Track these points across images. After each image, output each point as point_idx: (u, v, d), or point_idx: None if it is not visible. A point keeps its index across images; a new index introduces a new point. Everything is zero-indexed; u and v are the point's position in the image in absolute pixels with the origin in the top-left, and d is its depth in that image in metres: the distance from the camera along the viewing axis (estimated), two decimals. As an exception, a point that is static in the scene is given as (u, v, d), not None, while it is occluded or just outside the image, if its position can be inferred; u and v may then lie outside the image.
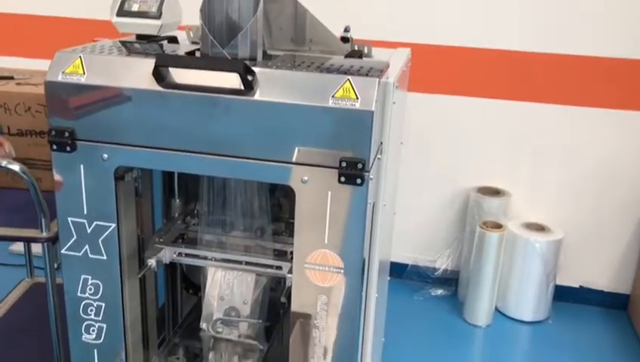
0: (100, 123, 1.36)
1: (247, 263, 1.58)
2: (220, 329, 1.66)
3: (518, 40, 2.52)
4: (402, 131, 1.93)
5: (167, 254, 1.60)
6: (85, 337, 1.54)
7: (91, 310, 1.51)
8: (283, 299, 1.53)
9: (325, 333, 1.42)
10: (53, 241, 1.62)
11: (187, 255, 1.62)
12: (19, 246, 2.76)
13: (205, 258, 1.61)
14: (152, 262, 1.56)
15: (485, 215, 2.60)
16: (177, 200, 1.81)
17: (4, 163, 1.60)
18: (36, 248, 2.11)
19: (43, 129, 1.85)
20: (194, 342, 1.79)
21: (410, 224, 2.71)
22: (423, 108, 2.57)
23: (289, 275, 1.48)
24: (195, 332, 1.72)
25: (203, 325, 1.67)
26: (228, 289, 1.66)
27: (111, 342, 1.53)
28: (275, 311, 1.75)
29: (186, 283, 1.93)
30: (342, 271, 1.36)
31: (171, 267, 1.86)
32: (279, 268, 1.54)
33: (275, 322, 1.80)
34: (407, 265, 2.84)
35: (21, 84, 1.91)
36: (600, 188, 2.63)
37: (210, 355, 1.70)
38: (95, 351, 1.54)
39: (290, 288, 1.45)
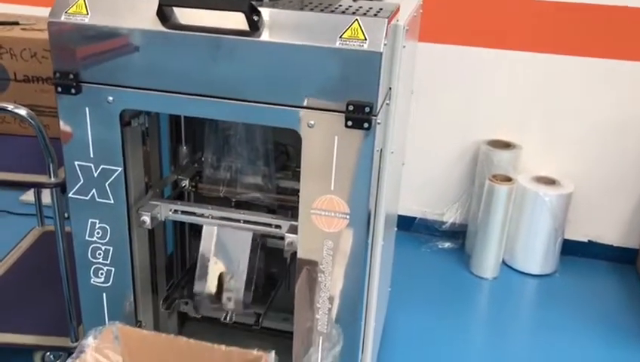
0: (104, 65, 1.35)
1: (245, 221, 1.55)
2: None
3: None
4: (413, 80, 1.90)
5: (163, 211, 1.57)
6: (94, 280, 1.55)
7: (99, 254, 1.52)
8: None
9: (331, 279, 1.42)
10: (62, 188, 1.62)
11: (183, 212, 1.58)
12: (29, 196, 2.79)
13: (202, 215, 1.57)
14: (146, 218, 1.52)
15: (495, 168, 2.58)
16: (185, 148, 1.81)
17: (10, 107, 1.59)
18: (46, 198, 2.12)
19: (49, 75, 1.83)
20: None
21: (419, 177, 2.70)
22: (433, 59, 2.52)
23: (288, 235, 1.46)
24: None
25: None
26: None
27: (119, 286, 1.55)
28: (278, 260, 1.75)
29: (195, 231, 1.94)
30: (348, 216, 1.35)
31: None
32: (278, 226, 1.50)
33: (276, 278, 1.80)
34: (415, 218, 2.84)
35: (26, 30, 1.88)
36: (612, 142, 2.59)
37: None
38: (104, 294, 1.56)
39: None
